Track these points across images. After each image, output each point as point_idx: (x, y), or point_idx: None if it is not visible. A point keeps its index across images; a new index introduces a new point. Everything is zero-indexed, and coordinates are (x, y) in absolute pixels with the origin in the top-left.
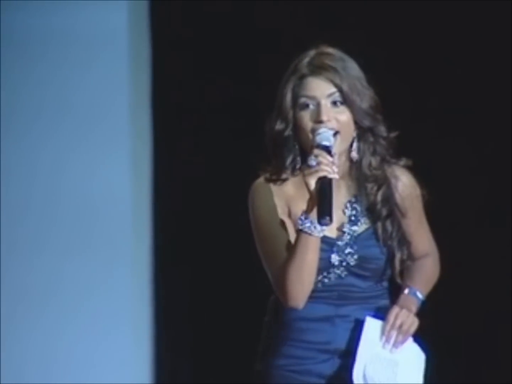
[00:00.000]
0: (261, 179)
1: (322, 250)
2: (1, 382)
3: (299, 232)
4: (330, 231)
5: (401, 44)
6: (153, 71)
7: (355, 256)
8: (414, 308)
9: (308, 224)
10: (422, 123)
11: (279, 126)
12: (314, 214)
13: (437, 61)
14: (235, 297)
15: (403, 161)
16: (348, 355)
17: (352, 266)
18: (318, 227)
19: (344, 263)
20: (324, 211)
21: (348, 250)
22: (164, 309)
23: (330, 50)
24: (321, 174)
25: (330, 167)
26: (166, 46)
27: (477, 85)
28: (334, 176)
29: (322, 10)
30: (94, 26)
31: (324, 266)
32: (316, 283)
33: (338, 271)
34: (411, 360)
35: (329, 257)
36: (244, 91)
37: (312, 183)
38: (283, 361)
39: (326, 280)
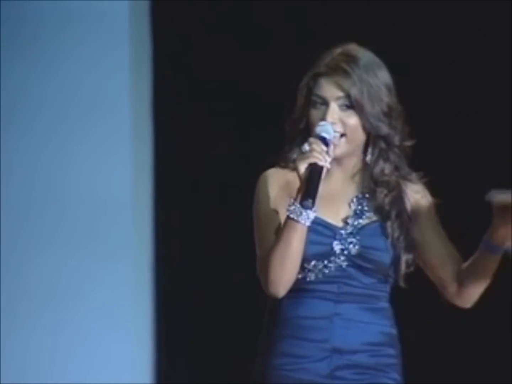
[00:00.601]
0: (273, 168)
1: (324, 236)
2: (1, 382)
3: (287, 218)
4: (336, 221)
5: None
6: (154, 69)
7: (357, 246)
8: None
9: (295, 210)
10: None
11: (294, 118)
12: (298, 200)
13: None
14: (236, 294)
15: (416, 176)
16: (345, 353)
17: (353, 256)
18: (304, 213)
19: (345, 252)
20: (307, 194)
21: (350, 239)
22: (165, 307)
23: (353, 50)
24: (312, 160)
25: (323, 155)
26: (167, 43)
27: (481, 93)
28: (325, 164)
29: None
30: (95, 24)
31: (326, 253)
32: (316, 273)
33: (339, 260)
34: None
35: (331, 244)
36: (246, 89)
37: (302, 168)
38: (281, 360)
39: (326, 271)
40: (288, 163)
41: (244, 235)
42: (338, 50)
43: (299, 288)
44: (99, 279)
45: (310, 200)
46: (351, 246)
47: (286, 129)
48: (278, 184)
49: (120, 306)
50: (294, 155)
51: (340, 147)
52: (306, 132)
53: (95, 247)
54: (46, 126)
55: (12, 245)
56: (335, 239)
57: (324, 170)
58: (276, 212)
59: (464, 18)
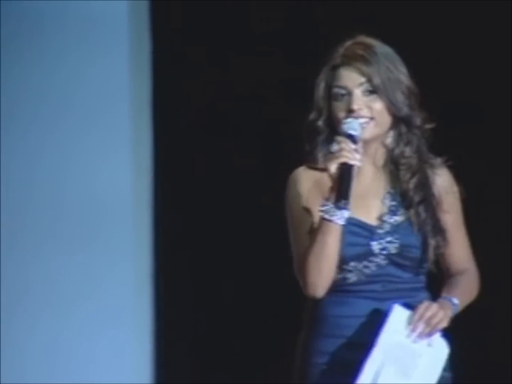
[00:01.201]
0: (301, 167)
1: (361, 236)
2: (1, 382)
3: (321, 219)
4: (370, 220)
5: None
6: (154, 68)
7: (396, 245)
8: (449, 311)
9: (328, 210)
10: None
11: (312, 116)
12: (331, 201)
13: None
14: (237, 294)
15: (439, 160)
16: None
17: (392, 255)
18: (338, 213)
19: (384, 251)
20: (340, 195)
21: (388, 238)
22: (165, 307)
23: (365, 40)
24: (342, 160)
25: (352, 153)
26: (167, 43)
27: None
28: (356, 162)
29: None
30: (94, 24)
31: (364, 253)
32: (357, 274)
33: (377, 260)
34: (434, 353)
35: (369, 244)
36: (245, 89)
37: (333, 168)
38: (321, 359)
39: (367, 271)
40: (314, 163)
41: (244, 234)
42: (350, 41)
43: (342, 289)
44: (99, 279)
45: (344, 201)
46: (389, 245)
47: (305, 128)
48: (308, 183)
49: (120, 306)
50: (319, 154)
51: (369, 130)
52: (327, 127)
53: (95, 247)
54: (46, 126)
55: (12, 245)
56: (372, 239)
57: (356, 169)
58: (308, 210)
59: (463, 17)
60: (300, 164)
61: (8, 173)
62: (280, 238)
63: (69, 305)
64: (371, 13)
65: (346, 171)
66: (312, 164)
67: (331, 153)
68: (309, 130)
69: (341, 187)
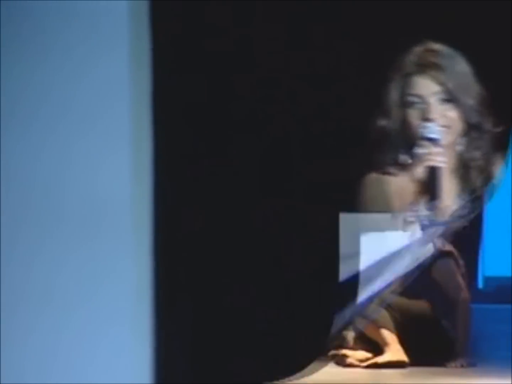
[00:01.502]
0: (373, 174)
1: None
2: (1, 382)
3: (408, 220)
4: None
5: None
6: (154, 67)
7: None
8: None
9: (417, 212)
10: None
11: (381, 122)
12: (421, 204)
13: None
14: (238, 293)
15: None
16: None
17: None
18: (427, 214)
19: None
20: (432, 196)
21: None
22: (165, 307)
23: (436, 46)
24: (430, 163)
25: (438, 157)
26: (166, 42)
27: None
28: (442, 165)
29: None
30: (94, 24)
31: None
32: None
33: None
34: None
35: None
36: (245, 89)
37: (420, 171)
38: None
39: None
40: (383, 168)
41: (245, 235)
42: (421, 48)
43: None
44: (98, 279)
45: (435, 202)
46: None
47: (373, 133)
48: (392, 185)
49: (120, 306)
50: (389, 156)
51: (445, 137)
52: (400, 134)
53: (94, 247)
54: (45, 126)
55: (12, 245)
56: None
57: (443, 171)
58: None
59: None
60: (306, 163)
61: (8, 173)
62: (281, 240)
63: (69, 305)
64: (374, 10)
65: (434, 173)
66: (380, 170)
67: (417, 157)
68: (378, 135)
69: (432, 189)
